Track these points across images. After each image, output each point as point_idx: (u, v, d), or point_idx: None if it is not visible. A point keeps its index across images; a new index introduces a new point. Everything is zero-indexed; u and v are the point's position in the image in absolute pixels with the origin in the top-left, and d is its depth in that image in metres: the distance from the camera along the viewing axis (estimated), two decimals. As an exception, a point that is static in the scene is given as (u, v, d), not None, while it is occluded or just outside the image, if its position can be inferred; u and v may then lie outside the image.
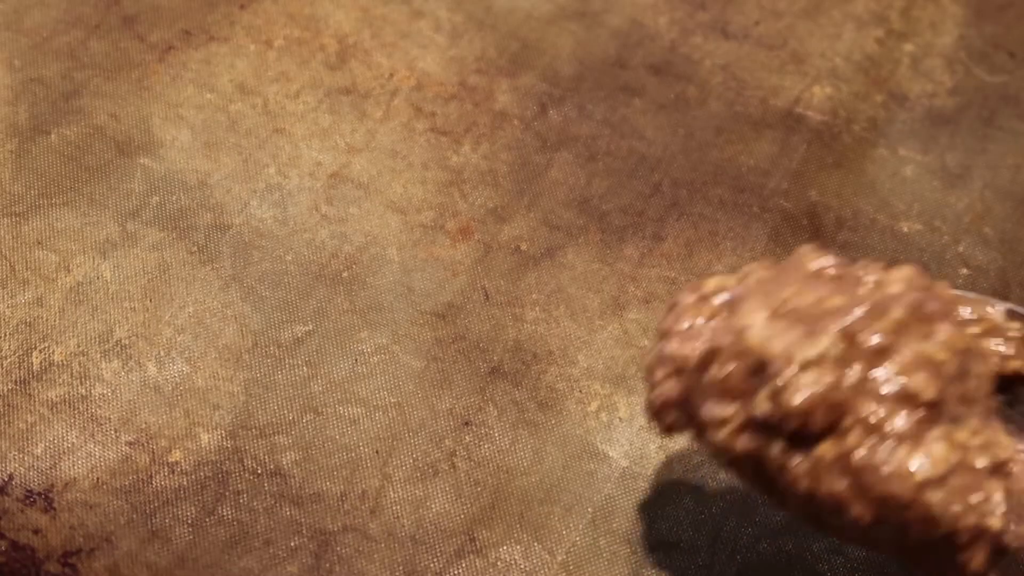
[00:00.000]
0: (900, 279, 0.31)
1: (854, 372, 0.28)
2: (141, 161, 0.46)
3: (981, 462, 0.29)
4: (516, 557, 0.37)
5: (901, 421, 0.28)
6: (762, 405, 0.29)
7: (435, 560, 0.37)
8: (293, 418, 0.40)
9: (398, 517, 0.38)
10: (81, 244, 0.43)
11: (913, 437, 0.28)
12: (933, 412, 0.28)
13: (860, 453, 0.28)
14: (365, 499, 0.38)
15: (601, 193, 0.46)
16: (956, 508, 0.28)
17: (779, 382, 0.29)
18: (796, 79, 0.50)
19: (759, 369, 0.29)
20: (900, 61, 0.51)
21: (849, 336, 0.29)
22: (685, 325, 0.32)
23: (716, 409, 0.31)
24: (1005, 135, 0.48)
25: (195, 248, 0.43)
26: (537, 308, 0.43)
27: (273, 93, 0.48)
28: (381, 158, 0.47)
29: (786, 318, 0.29)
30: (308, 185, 0.45)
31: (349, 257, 0.44)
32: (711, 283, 0.32)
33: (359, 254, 0.44)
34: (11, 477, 0.38)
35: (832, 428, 0.29)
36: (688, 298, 0.33)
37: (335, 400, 0.40)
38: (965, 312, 0.32)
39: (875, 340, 0.28)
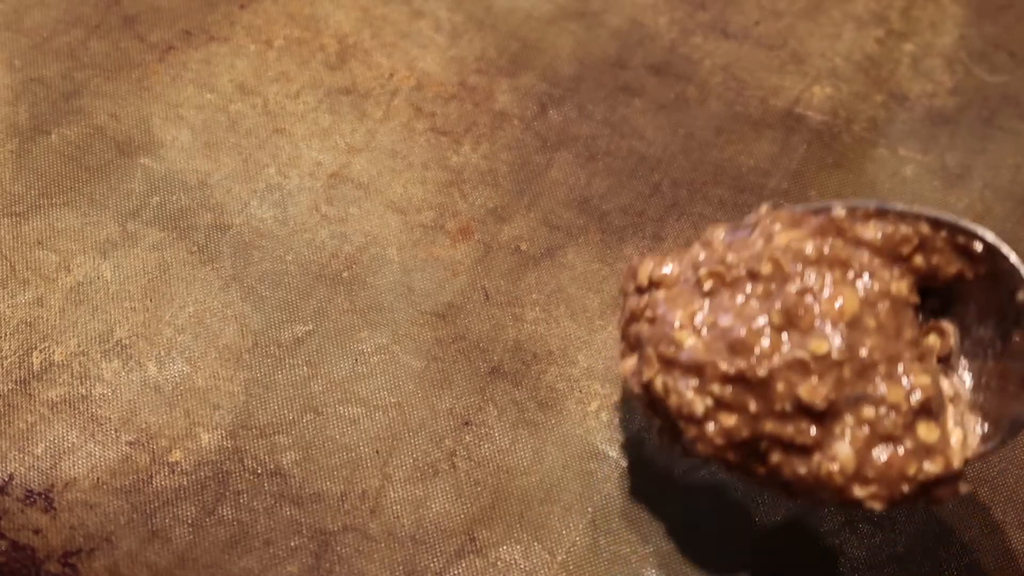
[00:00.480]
0: (783, 246, 0.31)
1: (751, 404, 0.29)
2: (141, 161, 0.46)
3: (900, 424, 0.29)
4: (516, 557, 0.37)
5: (806, 430, 0.29)
6: (687, 450, 0.32)
7: (435, 560, 0.37)
8: (293, 418, 0.40)
9: (398, 517, 0.38)
10: (81, 244, 0.43)
11: (821, 441, 0.29)
12: (834, 406, 0.29)
13: (784, 470, 0.30)
14: (365, 499, 0.38)
15: (601, 193, 0.46)
16: (885, 492, 0.29)
17: (687, 436, 0.30)
18: (796, 79, 0.50)
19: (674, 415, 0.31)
20: (900, 61, 0.51)
21: (734, 377, 0.30)
22: (626, 317, 0.34)
23: (658, 440, 0.33)
24: (1005, 135, 0.48)
25: (195, 248, 0.43)
26: (537, 308, 0.43)
27: (273, 93, 0.48)
28: (381, 158, 0.47)
29: (677, 367, 0.30)
30: (308, 185, 0.46)
31: (349, 257, 0.44)
32: (642, 272, 0.33)
33: (359, 254, 0.44)
34: (11, 477, 0.38)
35: (753, 452, 0.30)
36: (629, 286, 0.34)
37: (335, 400, 0.40)
38: (885, 232, 0.32)
39: (760, 372, 0.29)
